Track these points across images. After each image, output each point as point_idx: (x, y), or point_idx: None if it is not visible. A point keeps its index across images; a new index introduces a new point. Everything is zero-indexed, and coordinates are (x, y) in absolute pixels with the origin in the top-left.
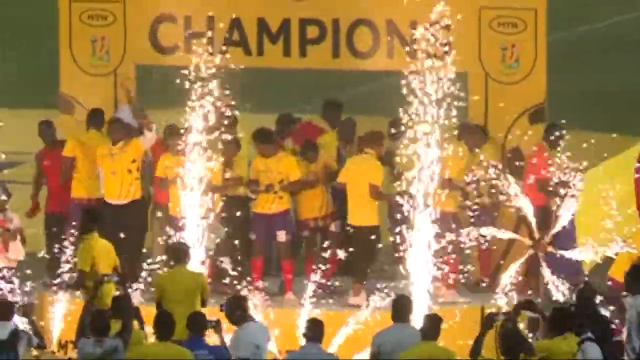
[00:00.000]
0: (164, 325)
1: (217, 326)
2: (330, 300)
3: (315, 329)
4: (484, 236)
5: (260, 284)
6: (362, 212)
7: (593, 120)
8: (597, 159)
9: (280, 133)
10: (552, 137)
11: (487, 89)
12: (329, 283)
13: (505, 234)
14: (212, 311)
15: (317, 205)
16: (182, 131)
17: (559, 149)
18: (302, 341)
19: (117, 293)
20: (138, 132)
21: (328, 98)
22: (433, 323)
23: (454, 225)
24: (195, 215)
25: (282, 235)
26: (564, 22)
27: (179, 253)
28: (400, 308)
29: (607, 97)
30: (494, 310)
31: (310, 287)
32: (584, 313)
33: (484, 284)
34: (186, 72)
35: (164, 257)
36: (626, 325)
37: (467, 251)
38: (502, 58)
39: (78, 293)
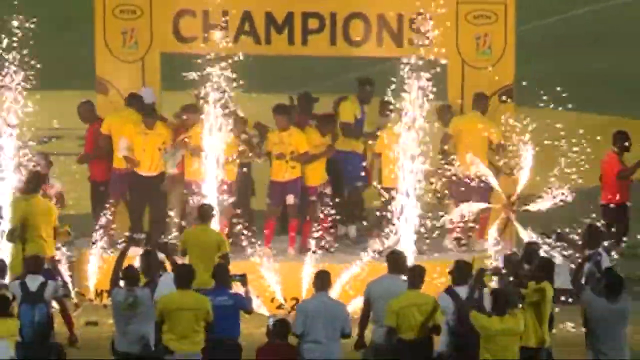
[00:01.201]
0: (183, 276)
1: (242, 279)
2: (329, 254)
3: (323, 280)
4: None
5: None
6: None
7: (560, 100)
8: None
9: (303, 110)
10: (620, 144)
11: (464, 72)
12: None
13: (484, 205)
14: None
15: (322, 174)
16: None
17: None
18: (304, 289)
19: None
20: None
21: (360, 76)
22: (417, 273)
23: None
24: (210, 180)
25: (290, 199)
26: (533, 14)
27: (205, 213)
28: (394, 261)
29: (573, 79)
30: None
31: (312, 244)
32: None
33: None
34: (204, 58)
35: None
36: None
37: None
38: (477, 46)
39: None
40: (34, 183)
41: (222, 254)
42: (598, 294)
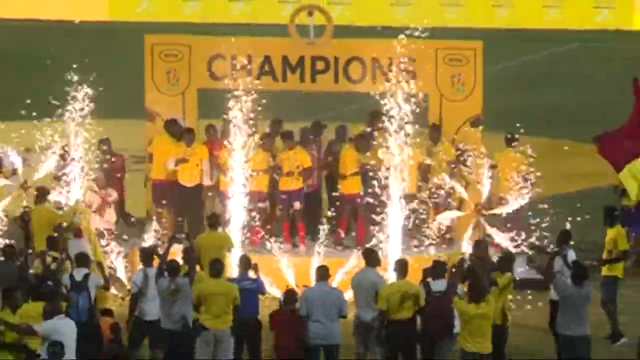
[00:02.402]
0: (216, 268)
1: (256, 267)
2: (336, 250)
3: (322, 272)
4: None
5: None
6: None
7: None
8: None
9: (315, 135)
10: None
11: (442, 104)
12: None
13: (456, 213)
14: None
15: (358, 185)
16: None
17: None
18: (313, 279)
19: (186, 245)
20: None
21: (373, 109)
22: (401, 265)
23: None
24: (239, 191)
25: (297, 205)
26: (499, 57)
27: (212, 220)
28: (367, 256)
29: (533, 110)
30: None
31: (320, 242)
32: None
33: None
34: (233, 93)
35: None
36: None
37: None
38: (452, 83)
39: None
40: (40, 197)
41: (229, 249)
42: (567, 280)
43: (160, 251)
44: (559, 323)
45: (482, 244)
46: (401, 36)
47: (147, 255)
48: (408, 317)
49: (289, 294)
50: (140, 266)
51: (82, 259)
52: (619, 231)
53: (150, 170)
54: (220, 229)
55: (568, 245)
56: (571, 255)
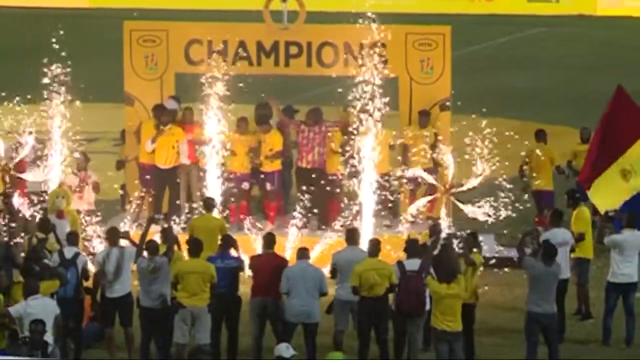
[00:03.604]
0: (194, 247)
1: (237, 246)
2: (306, 229)
3: (302, 252)
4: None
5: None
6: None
7: (487, 109)
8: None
9: (287, 117)
10: None
11: (412, 88)
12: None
13: (427, 199)
14: None
15: (339, 165)
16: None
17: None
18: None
19: (165, 226)
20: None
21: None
22: (374, 244)
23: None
24: (216, 171)
25: (269, 186)
26: (465, 42)
27: (208, 204)
28: (351, 235)
29: (497, 93)
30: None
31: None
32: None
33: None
34: (209, 77)
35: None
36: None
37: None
38: (421, 67)
39: None
40: None
41: (222, 232)
42: (537, 259)
43: (133, 236)
44: (528, 300)
45: (437, 228)
46: (372, 21)
47: (113, 235)
48: (380, 294)
49: (268, 238)
50: (106, 245)
51: (73, 239)
52: (579, 213)
53: (125, 152)
54: (214, 212)
55: (560, 224)
56: (565, 233)
